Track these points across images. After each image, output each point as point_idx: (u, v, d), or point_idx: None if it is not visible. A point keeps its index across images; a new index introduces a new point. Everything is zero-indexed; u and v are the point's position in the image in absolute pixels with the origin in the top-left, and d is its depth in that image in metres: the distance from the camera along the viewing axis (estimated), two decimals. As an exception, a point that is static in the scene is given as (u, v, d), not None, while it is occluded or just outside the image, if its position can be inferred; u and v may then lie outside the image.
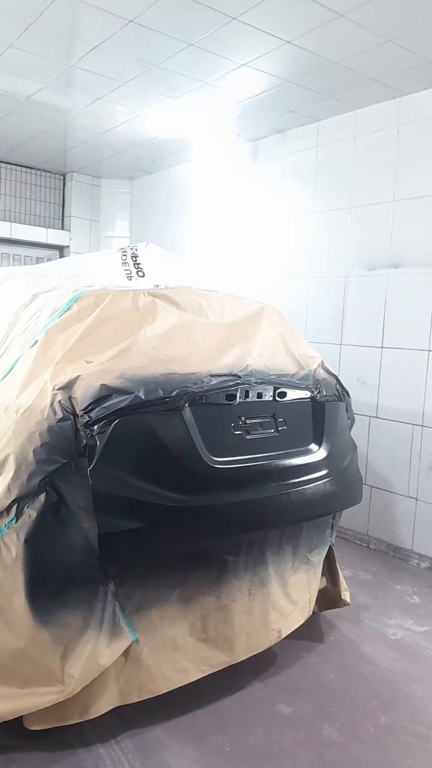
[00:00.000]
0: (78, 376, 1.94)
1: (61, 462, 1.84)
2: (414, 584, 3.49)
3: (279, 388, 2.41)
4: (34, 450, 1.84)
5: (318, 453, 2.48)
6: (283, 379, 2.45)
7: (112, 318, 2.18)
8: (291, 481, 2.32)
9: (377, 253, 3.94)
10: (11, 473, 1.84)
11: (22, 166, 5.90)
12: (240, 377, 2.27)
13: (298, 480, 2.34)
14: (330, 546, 2.80)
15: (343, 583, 2.87)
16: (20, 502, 1.83)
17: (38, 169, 6.00)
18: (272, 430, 2.38)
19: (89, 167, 5.86)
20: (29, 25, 3.10)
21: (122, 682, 2.07)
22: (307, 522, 2.51)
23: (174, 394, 2.05)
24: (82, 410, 1.88)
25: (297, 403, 2.50)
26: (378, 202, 3.92)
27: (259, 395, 2.33)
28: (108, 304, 2.22)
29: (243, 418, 2.28)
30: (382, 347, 3.92)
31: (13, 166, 5.86)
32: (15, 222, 5.87)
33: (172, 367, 2.11)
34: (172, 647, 2.15)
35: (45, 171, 6.05)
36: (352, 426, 2.88)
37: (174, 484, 1.99)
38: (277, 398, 2.40)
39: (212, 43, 3.20)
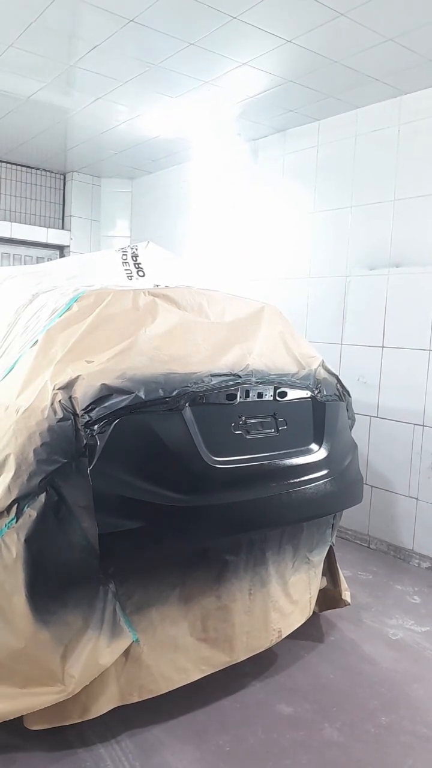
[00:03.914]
0: (78, 376, 1.93)
1: (62, 462, 1.84)
2: (415, 584, 3.48)
3: (279, 387, 2.40)
4: (34, 450, 1.84)
5: (318, 453, 2.48)
6: (284, 378, 2.44)
7: (113, 318, 2.18)
8: (291, 481, 2.32)
9: (378, 253, 3.93)
10: (11, 473, 1.84)
11: (22, 165, 5.90)
12: (240, 377, 2.26)
13: (298, 480, 2.34)
14: (330, 546, 2.80)
15: (343, 583, 2.87)
16: (20, 501, 1.82)
17: (38, 169, 6.00)
18: (272, 430, 2.37)
19: (89, 167, 5.86)
20: (30, 24, 3.10)
21: (122, 682, 2.06)
22: (307, 522, 2.51)
23: (174, 393, 2.04)
24: (83, 410, 1.87)
25: (297, 402, 2.50)
26: (379, 201, 3.92)
27: (260, 395, 2.33)
28: (108, 303, 2.22)
29: (243, 418, 2.27)
30: (383, 347, 3.92)
31: (14, 166, 5.86)
32: (15, 222, 5.87)
33: (172, 366, 2.11)
34: (172, 647, 2.15)
35: (45, 171, 6.05)
36: (352, 426, 2.87)
37: (174, 483, 1.99)
38: (278, 398, 2.40)
39: (212, 43, 3.19)
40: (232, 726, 2.18)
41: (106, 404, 1.90)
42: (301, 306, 4.42)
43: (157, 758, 2.00)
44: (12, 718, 1.93)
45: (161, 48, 3.29)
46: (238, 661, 2.33)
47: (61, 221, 6.21)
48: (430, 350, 3.66)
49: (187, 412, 2.07)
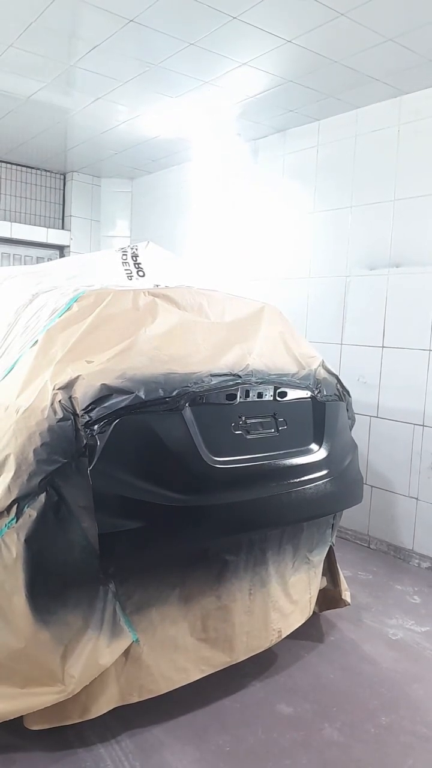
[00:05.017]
0: (78, 376, 1.93)
1: (62, 462, 1.84)
2: (415, 584, 3.48)
3: (279, 387, 2.40)
4: (34, 450, 1.84)
5: (318, 453, 2.48)
6: (284, 378, 2.44)
7: (113, 318, 2.18)
8: (291, 480, 2.32)
9: (378, 253, 3.93)
10: (11, 473, 1.84)
11: (22, 165, 5.90)
12: (240, 377, 2.26)
13: (298, 480, 2.34)
14: (330, 546, 2.80)
15: (343, 583, 2.87)
16: (20, 501, 1.83)
17: (38, 169, 6.00)
18: (272, 430, 2.37)
19: (89, 167, 5.86)
20: (30, 24, 3.10)
21: (122, 682, 2.06)
22: (307, 522, 2.51)
23: (174, 393, 2.04)
24: (83, 410, 1.87)
25: (297, 402, 2.50)
26: (379, 201, 3.92)
27: (260, 395, 2.33)
28: (108, 303, 2.22)
29: (243, 418, 2.27)
30: (383, 347, 3.92)
31: (14, 166, 5.86)
32: (15, 222, 5.87)
33: (172, 366, 2.11)
34: (172, 647, 2.15)
35: (45, 171, 6.05)
36: (352, 426, 2.87)
37: (174, 483, 1.99)
38: (278, 398, 2.40)
39: (212, 43, 3.19)
40: (232, 726, 2.18)
41: (106, 404, 1.90)
42: (301, 306, 4.42)
43: (157, 758, 2.00)
44: (12, 718, 1.93)
45: (161, 48, 3.29)
46: (238, 661, 2.33)
47: (61, 221, 6.21)
48: (430, 350, 3.66)
49: (187, 412, 2.07)
